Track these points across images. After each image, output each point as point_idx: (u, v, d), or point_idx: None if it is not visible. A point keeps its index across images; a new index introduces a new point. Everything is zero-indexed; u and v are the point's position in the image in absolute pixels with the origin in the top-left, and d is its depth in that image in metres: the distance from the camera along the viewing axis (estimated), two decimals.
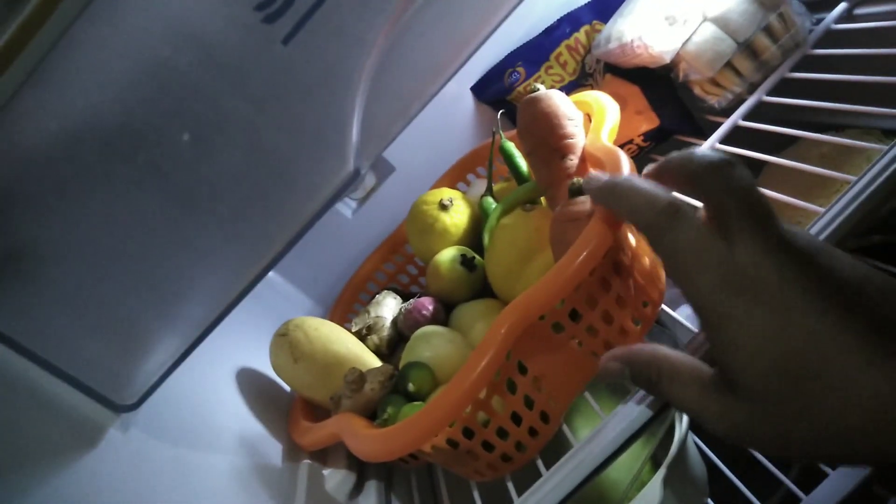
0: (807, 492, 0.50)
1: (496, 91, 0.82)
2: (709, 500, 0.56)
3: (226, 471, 0.50)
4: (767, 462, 0.56)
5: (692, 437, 0.57)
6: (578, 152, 0.52)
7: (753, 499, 0.53)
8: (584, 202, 0.47)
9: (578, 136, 0.52)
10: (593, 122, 0.56)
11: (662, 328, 0.66)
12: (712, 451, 0.59)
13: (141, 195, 0.37)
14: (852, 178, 0.46)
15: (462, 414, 0.44)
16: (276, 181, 0.39)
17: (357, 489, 0.59)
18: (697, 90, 0.66)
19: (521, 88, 0.79)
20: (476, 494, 0.51)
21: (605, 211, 0.42)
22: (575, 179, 0.49)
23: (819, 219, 0.46)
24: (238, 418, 0.58)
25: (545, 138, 0.52)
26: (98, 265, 0.39)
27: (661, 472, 0.49)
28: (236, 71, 0.36)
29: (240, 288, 0.41)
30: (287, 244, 0.39)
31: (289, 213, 0.39)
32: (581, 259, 0.41)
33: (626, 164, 0.46)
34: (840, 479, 0.49)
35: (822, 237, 0.45)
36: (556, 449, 0.49)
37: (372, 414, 0.56)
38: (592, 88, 0.78)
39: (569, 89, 0.78)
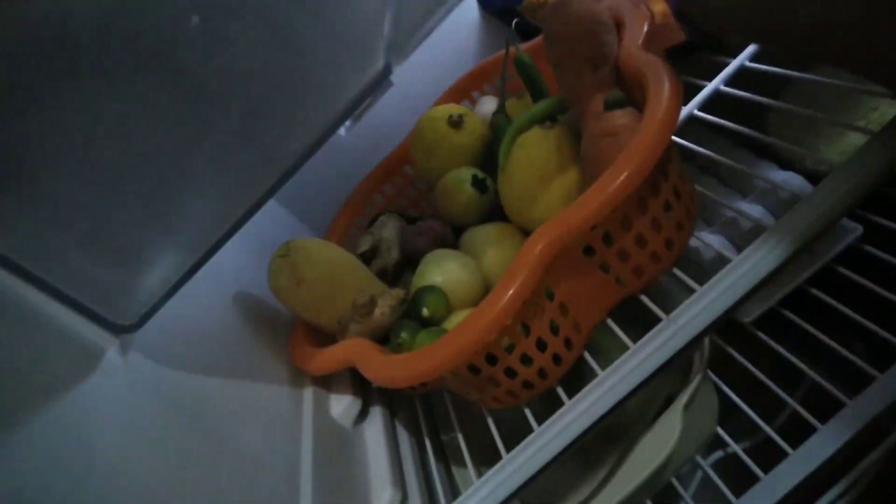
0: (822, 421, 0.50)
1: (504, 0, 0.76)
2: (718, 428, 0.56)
3: (230, 396, 0.48)
4: (773, 385, 0.55)
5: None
6: (612, 62, 0.48)
7: (760, 421, 0.53)
8: (623, 115, 0.44)
9: (614, 45, 0.48)
10: (626, 30, 0.51)
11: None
12: (723, 382, 0.58)
13: (143, 88, 0.32)
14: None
15: (491, 338, 0.41)
16: (297, 76, 0.34)
17: (362, 415, 0.58)
18: None
19: None
20: (490, 422, 0.50)
21: (653, 124, 0.39)
22: (613, 91, 0.45)
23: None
24: (236, 342, 0.55)
25: (578, 46, 0.47)
26: (93, 170, 0.35)
27: (683, 399, 0.48)
28: None
29: (254, 199, 0.36)
30: (308, 149, 0.35)
31: (311, 115, 0.34)
32: (626, 175, 0.38)
33: (668, 76, 0.43)
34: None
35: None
36: (572, 380, 0.48)
37: (381, 339, 0.54)
38: None
39: None
